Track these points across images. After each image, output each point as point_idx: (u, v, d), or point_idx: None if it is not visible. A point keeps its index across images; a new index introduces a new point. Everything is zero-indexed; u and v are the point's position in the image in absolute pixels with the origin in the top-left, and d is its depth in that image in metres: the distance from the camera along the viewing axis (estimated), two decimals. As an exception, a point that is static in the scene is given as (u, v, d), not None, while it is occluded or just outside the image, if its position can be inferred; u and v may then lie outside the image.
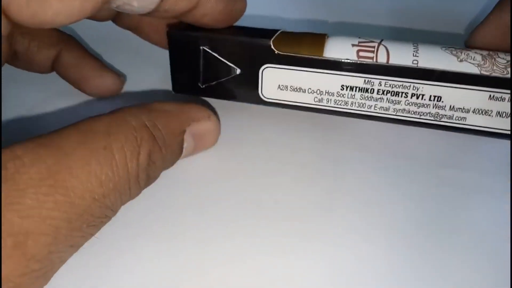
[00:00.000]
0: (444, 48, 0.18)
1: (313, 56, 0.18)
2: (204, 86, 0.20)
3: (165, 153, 0.16)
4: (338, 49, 0.18)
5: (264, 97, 0.19)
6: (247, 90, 0.19)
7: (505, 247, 0.16)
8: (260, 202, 0.18)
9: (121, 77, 0.23)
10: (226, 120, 0.20)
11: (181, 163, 0.18)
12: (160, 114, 0.17)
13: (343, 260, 0.16)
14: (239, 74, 0.19)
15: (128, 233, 0.17)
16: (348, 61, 0.18)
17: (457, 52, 0.18)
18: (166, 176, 0.17)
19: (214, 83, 0.20)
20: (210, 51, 0.19)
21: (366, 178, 0.19)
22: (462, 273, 0.16)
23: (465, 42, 0.19)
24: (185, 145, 0.17)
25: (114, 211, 0.15)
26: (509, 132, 0.18)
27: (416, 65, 0.17)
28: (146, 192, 0.16)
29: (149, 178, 0.16)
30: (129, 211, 0.16)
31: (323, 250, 0.16)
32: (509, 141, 0.19)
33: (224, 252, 0.16)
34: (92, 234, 0.14)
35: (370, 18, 0.28)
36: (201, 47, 0.19)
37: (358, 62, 0.18)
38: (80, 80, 0.22)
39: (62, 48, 0.21)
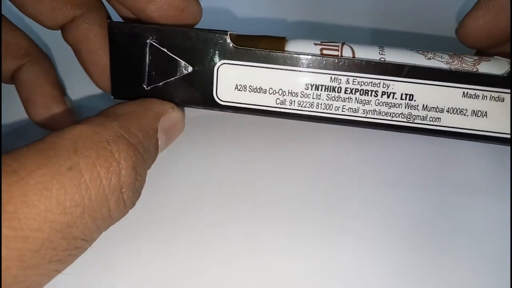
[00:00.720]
0: (409, 49, 0.17)
1: (274, 51, 0.16)
2: (149, 87, 0.17)
3: (147, 160, 0.14)
4: (300, 47, 0.17)
5: (220, 99, 0.17)
6: (200, 92, 0.17)
7: (505, 248, 0.16)
8: (259, 202, 0.18)
9: (73, 112, 0.20)
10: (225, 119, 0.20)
11: (181, 163, 0.18)
12: (130, 117, 0.15)
13: (341, 261, 0.16)
14: (191, 72, 0.17)
15: (126, 235, 0.16)
16: (312, 56, 0.16)
17: (423, 52, 0.17)
18: (166, 177, 0.17)
19: (161, 83, 0.17)
20: (158, 45, 0.17)
21: (365, 178, 0.18)
22: (462, 273, 0.16)
23: (456, 31, 0.18)
24: (159, 143, 0.15)
25: (88, 241, 0.13)
26: (484, 134, 0.16)
27: (384, 60, 0.16)
28: (144, 192, 0.15)
29: (137, 193, 0.14)
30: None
31: (322, 250, 0.16)
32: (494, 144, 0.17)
33: (221, 253, 0.16)
34: (58, 271, 0.12)
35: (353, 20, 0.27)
36: (147, 41, 0.17)
37: (323, 57, 0.16)
38: (27, 103, 0.19)
39: (26, 63, 0.19)
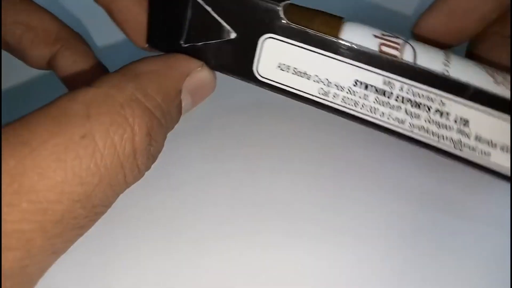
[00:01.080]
0: (477, 65, 0.15)
1: (327, 36, 0.15)
2: (187, 45, 0.16)
3: (166, 124, 0.13)
4: (358, 35, 0.15)
5: (259, 74, 0.16)
6: (239, 61, 0.15)
7: (505, 248, 0.16)
8: (259, 202, 0.17)
9: None
10: (224, 118, 0.20)
11: (181, 163, 0.18)
12: (149, 77, 0.13)
13: (342, 260, 0.16)
14: (233, 39, 0.15)
15: (126, 235, 0.16)
16: (369, 51, 0.14)
17: (493, 73, 0.15)
18: (166, 176, 0.17)
19: (200, 44, 0.16)
20: (202, 2, 0.15)
21: (366, 178, 0.18)
22: (462, 274, 0.16)
23: (411, 29, 0.18)
24: (183, 104, 0.14)
25: (106, 206, 0.13)
26: None
27: (448, 74, 0.14)
28: (144, 192, 0.15)
29: (152, 158, 0.13)
30: (127, 212, 0.15)
31: (323, 250, 0.16)
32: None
33: (221, 253, 0.16)
34: (80, 235, 0.12)
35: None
36: None
37: (381, 55, 0.14)
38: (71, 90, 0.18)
39: (60, 48, 0.18)
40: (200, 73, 0.15)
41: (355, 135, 0.19)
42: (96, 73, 0.18)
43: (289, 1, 0.15)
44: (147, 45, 0.16)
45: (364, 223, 0.17)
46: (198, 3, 0.15)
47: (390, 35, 0.15)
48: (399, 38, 0.15)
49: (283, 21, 0.14)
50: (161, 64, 0.14)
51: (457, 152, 0.15)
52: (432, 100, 0.15)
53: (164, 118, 0.14)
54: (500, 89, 0.14)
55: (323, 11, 0.15)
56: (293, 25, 0.14)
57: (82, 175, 0.11)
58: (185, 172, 0.18)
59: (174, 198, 0.17)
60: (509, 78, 0.15)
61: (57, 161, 0.11)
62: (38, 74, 0.22)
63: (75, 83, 0.18)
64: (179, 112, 0.15)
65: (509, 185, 0.16)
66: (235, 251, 0.16)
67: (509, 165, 0.15)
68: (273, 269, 0.16)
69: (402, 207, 0.17)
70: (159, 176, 0.16)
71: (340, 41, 0.14)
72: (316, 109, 0.16)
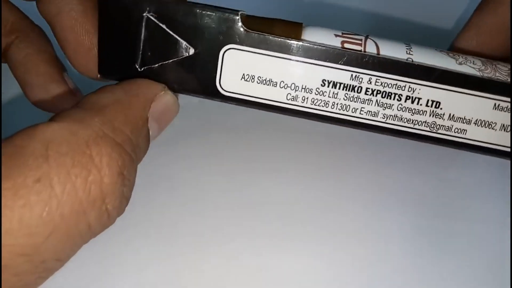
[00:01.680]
0: (439, 50, 0.15)
1: (289, 40, 0.14)
2: (142, 69, 0.15)
3: (136, 158, 0.12)
4: (319, 36, 0.15)
5: (224, 89, 0.15)
6: (201, 78, 0.15)
7: (505, 249, 0.16)
8: (258, 203, 0.17)
9: (76, 92, 0.18)
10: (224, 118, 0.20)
11: (180, 163, 0.18)
12: (115, 109, 0.12)
13: (341, 261, 0.16)
14: (193, 55, 0.15)
15: (125, 235, 0.16)
16: (332, 48, 0.14)
17: (454, 55, 0.15)
18: (165, 177, 0.17)
19: (156, 65, 0.15)
20: (156, 20, 0.14)
21: (366, 179, 0.18)
22: (462, 274, 0.16)
23: (450, 48, 0.17)
24: (150, 133, 0.13)
25: (62, 260, 0.11)
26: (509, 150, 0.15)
27: (412, 61, 0.14)
28: (144, 193, 0.15)
29: (125, 201, 0.12)
30: (125, 213, 0.14)
31: (322, 251, 0.16)
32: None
33: (221, 253, 0.16)
34: None
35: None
36: (144, 14, 0.14)
37: (345, 51, 0.14)
38: (22, 84, 0.17)
39: (15, 40, 0.16)
40: (164, 97, 0.14)
41: (354, 136, 0.19)
42: (51, 70, 0.17)
43: (245, 12, 0.15)
44: (99, 76, 0.15)
45: (364, 225, 0.17)
46: (152, 21, 0.14)
47: (351, 32, 0.15)
48: (360, 35, 0.15)
49: (242, 29, 0.14)
50: (123, 93, 0.13)
51: (434, 134, 0.15)
52: (401, 88, 0.14)
53: (134, 152, 0.13)
54: (463, 68, 0.15)
55: (281, 19, 0.15)
56: (253, 33, 0.14)
57: (31, 224, 0.10)
58: (185, 172, 0.18)
59: (174, 199, 0.17)
60: (470, 58, 0.15)
61: (2, 209, 0.10)
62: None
63: (26, 80, 0.17)
64: (148, 142, 0.14)
65: (509, 184, 0.17)
66: (235, 252, 0.16)
67: (486, 139, 0.15)
68: (273, 270, 0.16)
69: (401, 209, 0.17)
70: (159, 176, 0.16)
71: (303, 43, 0.14)
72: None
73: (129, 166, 0.12)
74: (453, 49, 0.17)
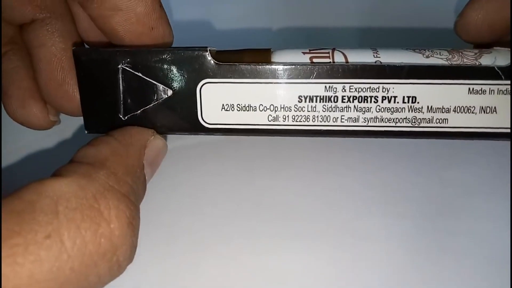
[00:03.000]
0: (404, 48, 0.16)
1: (260, 64, 0.15)
2: (126, 117, 0.15)
3: (138, 206, 0.13)
4: (288, 56, 0.15)
5: (206, 122, 0.15)
6: (183, 116, 0.15)
7: (505, 248, 0.16)
8: (258, 203, 0.17)
9: (51, 114, 0.18)
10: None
11: (180, 163, 0.18)
12: (115, 161, 0.13)
13: (342, 261, 0.16)
14: (171, 96, 0.15)
15: None
16: (302, 66, 0.15)
17: (420, 50, 0.16)
18: (165, 177, 0.17)
19: (139, 112, 0.15)
20: (131, 70, 0.15)
21: (365, 178, 0.18)
22: (463, 274, 0.16)
23: (455, 23, 0.17)
24: (146, 178, 0.14)
25: None
26: (496, 130, 0.15)
27: (380, 62, 0.15)
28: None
29: (135, 249, 0.12)
30: None
31: (322, 251, 0.16)
32: (507, 141, 0.16)
33: (221, 254, 0.16)
34: None
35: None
36: (119, 66, 0.15)
37: (314, 66, 0.15)
38: (3, 94, 0.17)
39: (9, 51, 0.16)
40: (155, 142, 0.15)
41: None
42: (33, 87, 0.17)
43: (214, 48, 0.15)
44: (86, 132, 0.16)
45: (365, 224, 0.17)
46: (128, 71, 0.15)
47: (317, 48, 0.16)
48: (326, 48, 0.16)
49: (213, 62, 0.15)
50: (118, 144, 0.14)
51: (417, 129, 0.15)
52: (375, 90, 0.15)
53: (137, 201, 0.13)
54: (431, 60, 0.15)
55: (249, 48, 0.16)
56: (225, 64, 0.15)
57: (40, 280, 0.10)
58: (184, 172, 0.18)
59: (174, 199, 0.17)
60: (436, 50, 0.16)
61: (12, 265, 0.10)
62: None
63: (7, 89, 0.17)
64: (145, 188, 0.14)
65: (509, 185, 0.17)
66: (235, 252, 0.16)
67: (468, 123, 0.15)
68: (273, 270, 0.16)
69: (402, 208, 0.17)
70: (159, 176, 0.16)
71: (273, 66, 0.15)
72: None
73: (136, 215, 0.12)
74: (462, 20, 0.16)
